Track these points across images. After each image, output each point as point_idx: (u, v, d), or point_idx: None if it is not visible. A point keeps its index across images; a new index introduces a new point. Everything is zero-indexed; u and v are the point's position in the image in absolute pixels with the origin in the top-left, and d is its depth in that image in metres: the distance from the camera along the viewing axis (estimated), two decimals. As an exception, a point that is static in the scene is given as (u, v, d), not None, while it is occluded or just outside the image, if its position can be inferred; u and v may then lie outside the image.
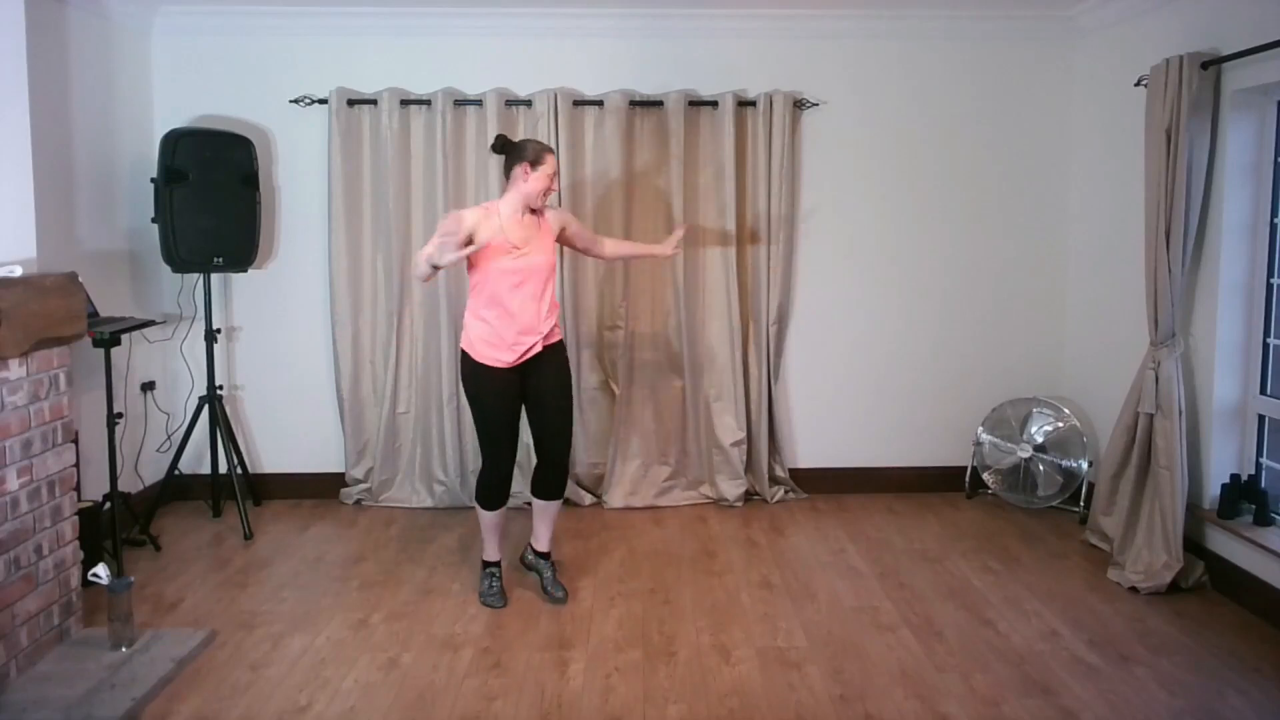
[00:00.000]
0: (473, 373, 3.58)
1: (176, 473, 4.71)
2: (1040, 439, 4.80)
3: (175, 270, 4.47)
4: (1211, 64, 3.72)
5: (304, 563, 4.17)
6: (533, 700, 3.01)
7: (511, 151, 3.56)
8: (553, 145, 4.72)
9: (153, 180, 4.41)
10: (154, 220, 4.41)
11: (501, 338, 3.52)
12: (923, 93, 4.96)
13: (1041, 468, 4.78)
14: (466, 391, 3.65)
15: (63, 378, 3.29)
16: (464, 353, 3.59)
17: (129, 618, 3.26)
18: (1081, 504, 4.68)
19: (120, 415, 4.11)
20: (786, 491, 5.04)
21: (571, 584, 3.90)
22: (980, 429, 5.02)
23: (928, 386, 5.12)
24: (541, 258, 3.55)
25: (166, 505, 4.79)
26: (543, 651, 3.33)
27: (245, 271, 4.75)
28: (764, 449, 4.97)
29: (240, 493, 4.58)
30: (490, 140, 4.67)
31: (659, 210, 4.84)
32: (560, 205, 4.62)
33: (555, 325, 3.66)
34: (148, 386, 4.76)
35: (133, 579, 3.36)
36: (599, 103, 4.78)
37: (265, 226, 4.83)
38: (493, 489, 3.67)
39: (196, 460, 4.91)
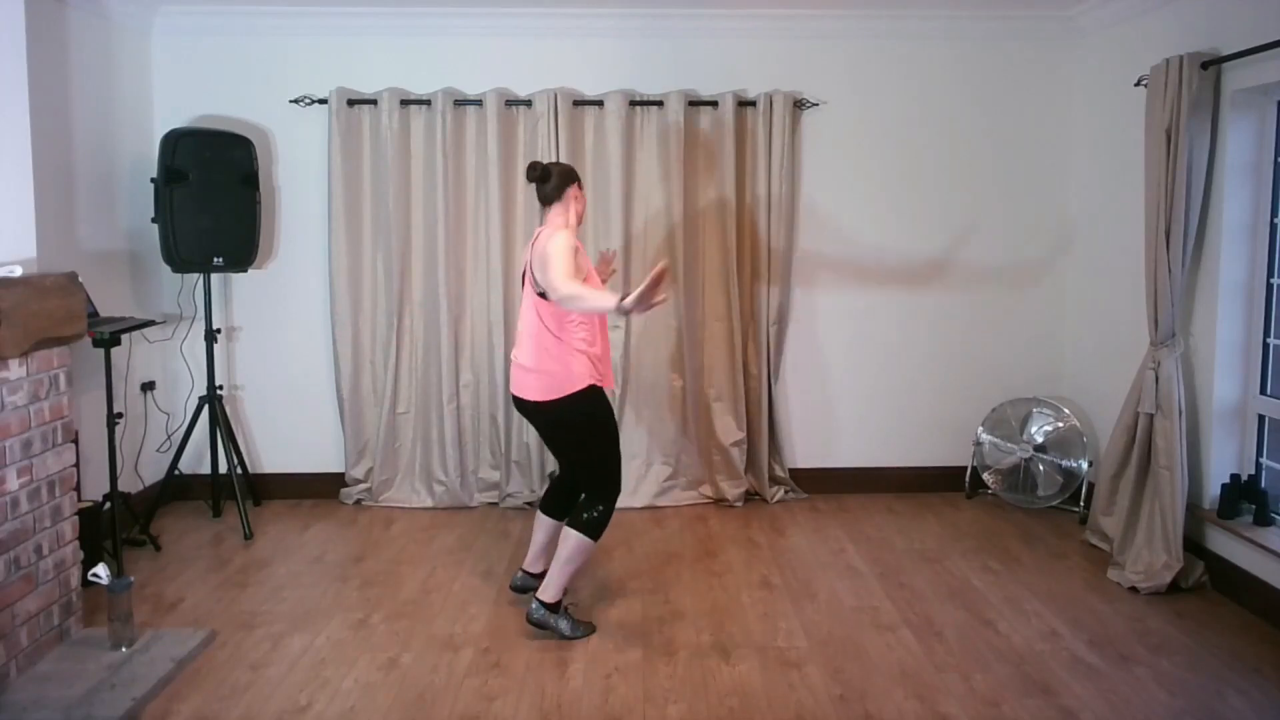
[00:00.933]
0: (597, 398, 3.33)
1: (176, 473, 4.71)
2: (1040, 439, 4.80)
3: (175, 270, 4.47)
4: (1211, 64, 3.72)
5: (304, 563, 4.17)
6: (533, 700, 3.01)
7: (555, 175, 3.40)
8: (553, 145, 4.73)
9: (153, 180, 4.41)
10: (154, 220, 4.41)
11: (603, 363, 3.40)
12: (923, 93, 4.96)
13: (1041, 468, 4.78)
14: (594, 421, 3.34)
15: (63, 378, 3.29)
16: (579, 391, 3.28)
17: (129, 618, 3.26)
18: (1081, 504, 4.68)
19: (120, 415, 4.11)
20: (786, 491, 5.05)
21: (572, 584, 3.89)
22: (980, 429, 5.02)
23: (927, 386, 5.12)
24: None
25: (166, 505, 4.79)
26: (543, 651, 3.33)
27: (245, 271, 4.75)
28: (764, 449, 4.97)
29: (240, 493, 4.58)
30: (491, 146, 4.71)
31: (659, 211, 4.84)
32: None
33: None
34: (148, 386, 4.76)
35: (133, 579, 3.36)
36: (599, 103, 4.78)
37: (265, 226, 4.83)
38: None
39: (196, 460, 4.91)
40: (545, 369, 3.31)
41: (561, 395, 3.30)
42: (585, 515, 3.35)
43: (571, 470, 3.58)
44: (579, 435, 3.39)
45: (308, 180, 4.90)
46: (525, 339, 3.37)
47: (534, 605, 3.41)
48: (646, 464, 4.95)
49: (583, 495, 3.43)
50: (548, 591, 3.40)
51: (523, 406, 3.44)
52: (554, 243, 3.24)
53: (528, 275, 3.38)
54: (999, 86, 4.97)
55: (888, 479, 5.16)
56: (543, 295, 3.28)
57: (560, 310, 3.24)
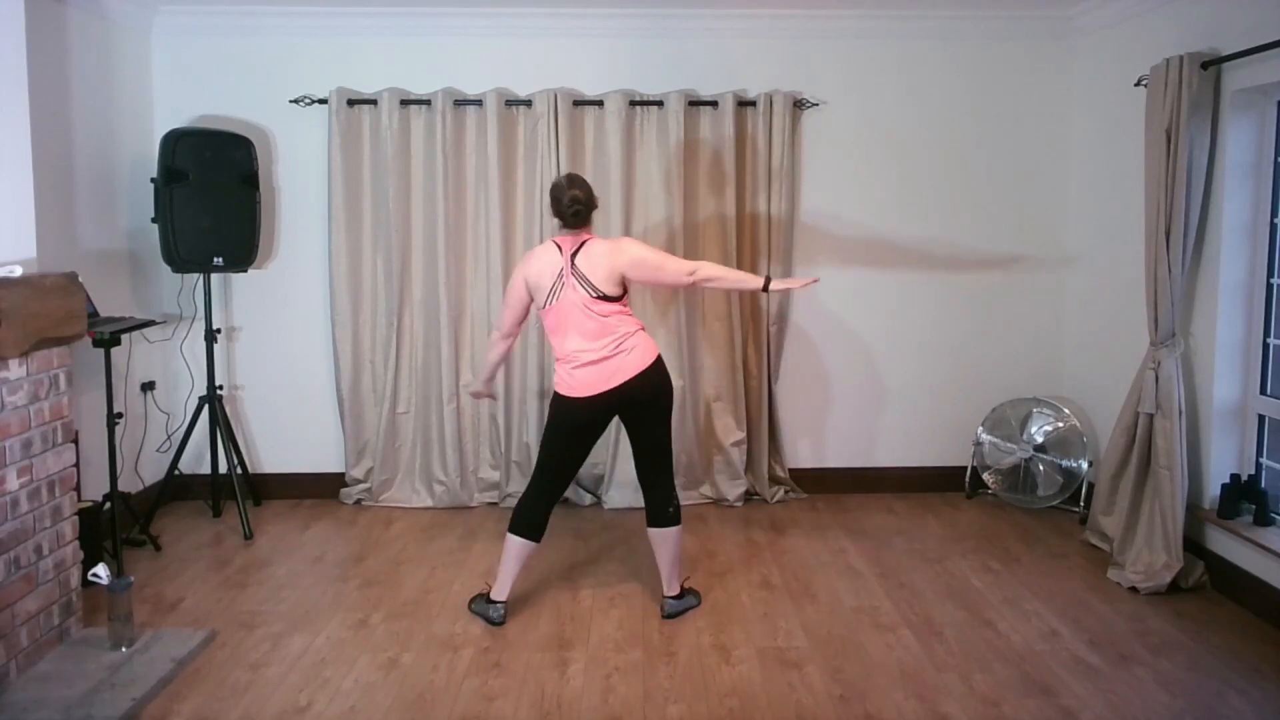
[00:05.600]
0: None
1: (176, 473, 4.71)
2: (1040, 439, 4.80)
3: (175, 270, 4.47)
4: (1211, 64, 3.72)
5: (304, 563, 4.17)
6: (533, 700, 3.01)
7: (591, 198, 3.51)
8: (553, 145, 4.73)
9: (153, 180, 4.41)
10: (154, 220, 4.41)
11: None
12: (922, 92, 4.96)
13: (1041, 468, 4.78)
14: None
15: (63, 378, 3.29)
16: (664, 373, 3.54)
17: (129, 618, 3.26)
18: (1081, 504, 4.68)
19: (120, 415, 4.11)
20: (786, 491, 5.05)
21: (572, 584, 3.91)
22: (980, 429, 5.02)
23: (927, 386, 5.12)
24: None
25: (166, 505, 4.79)
26: (543, 651, 3.33)
27: (245, 271, 4.75)
28: (764, 449, 4.97)
29: (240, 493, 4.57)
30: (491, 146, 4.72)
31: (659, 211, 4.84)
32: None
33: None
34: (148, 386, 4.76)
35: (133, 579, 3.36)
36: (599, 103, 4.78)
37: (265, 226, 4.83)
38: None
39: (196, 460, 4.91)
40: (642, 345, 3.46)
41: (657, 362, 3.49)
42: (672, 508, 3.57)
43: (659, 463, 3.60)
44: (669, 415, 3.58)
45: (308, 180, 4.90)
46: (618, 333, 3.42)
47: (670, 603, 3.62)
48: (646, 464, 4.95)
49: (656, 492, 3.57)
50: (675, 586, 3.65)
51: (642, 383, 3.44)
52: (635, 244, 3.51)
53: (580, 287, 3.41)
54: (999, 86, 4.97)
55: (888, 479, 5.15)
56: (606, 299, 3.41)
57: (617, 308, 3.44)
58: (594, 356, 3.41)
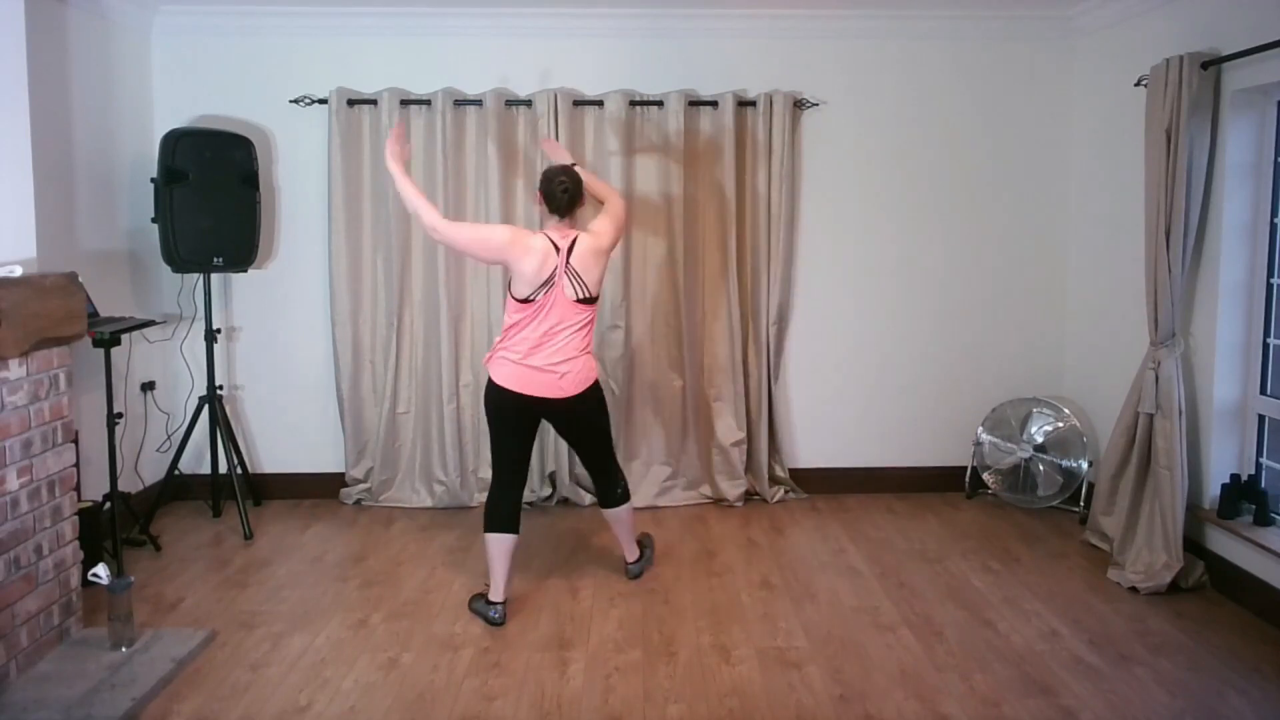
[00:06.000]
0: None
1: (176, 473, 4.71)
2: (1040, 439, 4.80)
3: (175, 270, 4.47)
4: (1211, 64, 3.72)
5: (304, 563, 4.17)
6: (533, 700, 3.01)
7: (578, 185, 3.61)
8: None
9: (153, 180, 4.42)
10: (154, 220, 4.41)
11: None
12: (923, 93, 4.96)
13: (1041, 468, 4.78)
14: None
15: (63, 378, 3.29)
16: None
17: (129, 618, 3.26)
18: (1081, 504, 4.68)
19: (120, 415, 4.11)
20: (786, 491, 5.05)
21: (572, 584, 3.91)
22: (980, 429, 5.02)
23: (928, 386, 5.12)
24: None
25: (166, 505, 4.79)
26: (543, 651, 3.33)
27: (245, 271, 4.75)
28: (764, 449, 4.97)
29: (240, 493, 4.57)
30: (491, 146, 4.73)
31: (658, 210, 4.84)
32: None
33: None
34: (148, 386, 4.76)
35: (133, 579, 3.36)
36: (599, 103, 4.79)
37: (265, 226, 4.83)
38: None
39: (196, 460, 4.91)
40: (591, 364, 3.66)
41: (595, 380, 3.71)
42: (619, 490, 3.84)
43: (603, 457, 3.83)
44: (606, 417, 3.82)
45: (308, 180, 4.90)
46: (570, 346, 3.55)
47: (632, 567, 3.97)
48: (646, 464, 4.95)
49: (604, 478, 3.82)
50: (634, 551, 3.99)
51: (574, 404, 3.60)
52: (599, 222, 3.67)
53: (571, 285, 3.51)
54: (999, 86, 4.97)
55: (888, 479, 5.15)
56: (589, 301, 3.55)
57: (589, 315, 3.59)
58: (538, 363, 3.51)
